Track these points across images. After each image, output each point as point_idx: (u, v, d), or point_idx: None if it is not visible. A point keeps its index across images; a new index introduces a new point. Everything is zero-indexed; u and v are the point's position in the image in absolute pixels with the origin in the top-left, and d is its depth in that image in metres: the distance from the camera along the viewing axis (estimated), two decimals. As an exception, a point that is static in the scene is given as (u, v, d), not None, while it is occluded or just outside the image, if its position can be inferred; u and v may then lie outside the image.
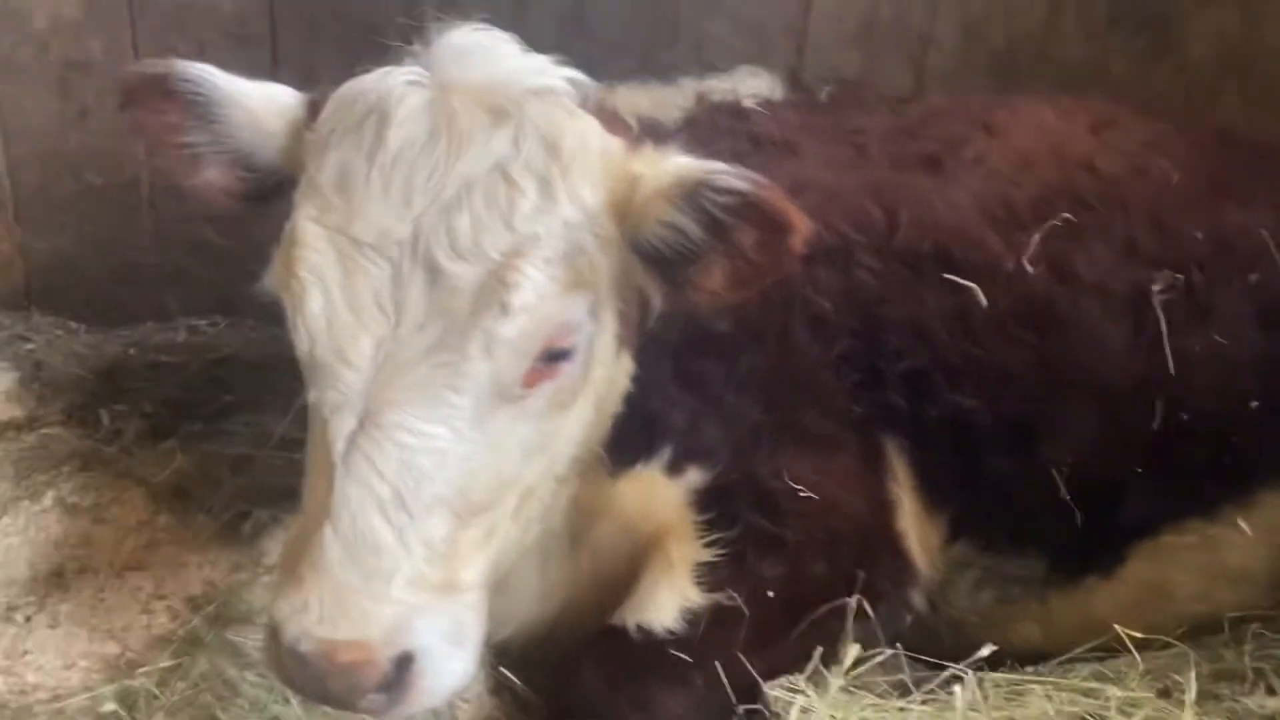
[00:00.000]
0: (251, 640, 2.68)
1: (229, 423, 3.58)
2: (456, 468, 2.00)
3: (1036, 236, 2.72)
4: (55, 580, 3.01)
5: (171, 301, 3.98)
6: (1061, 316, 2.68)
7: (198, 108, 2.17)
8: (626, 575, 2.58)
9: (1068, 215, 2.75)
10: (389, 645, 1.94)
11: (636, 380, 2.43)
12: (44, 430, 3.53)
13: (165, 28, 3.65)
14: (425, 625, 1.98)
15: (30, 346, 3.85)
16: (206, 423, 3.58)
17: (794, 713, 2.38)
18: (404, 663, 1.96)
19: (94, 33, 3.65)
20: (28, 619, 2.89)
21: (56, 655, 2.80)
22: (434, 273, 1.98)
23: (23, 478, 3.32)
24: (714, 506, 2.55)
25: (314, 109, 2.17)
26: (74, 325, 3.97)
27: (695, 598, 2.47)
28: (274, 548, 3.09)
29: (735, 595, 2.46)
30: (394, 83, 2.08)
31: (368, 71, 2.15)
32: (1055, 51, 3.91)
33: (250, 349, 3.86)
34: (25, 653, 2.80)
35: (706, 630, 2.45)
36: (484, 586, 2.14)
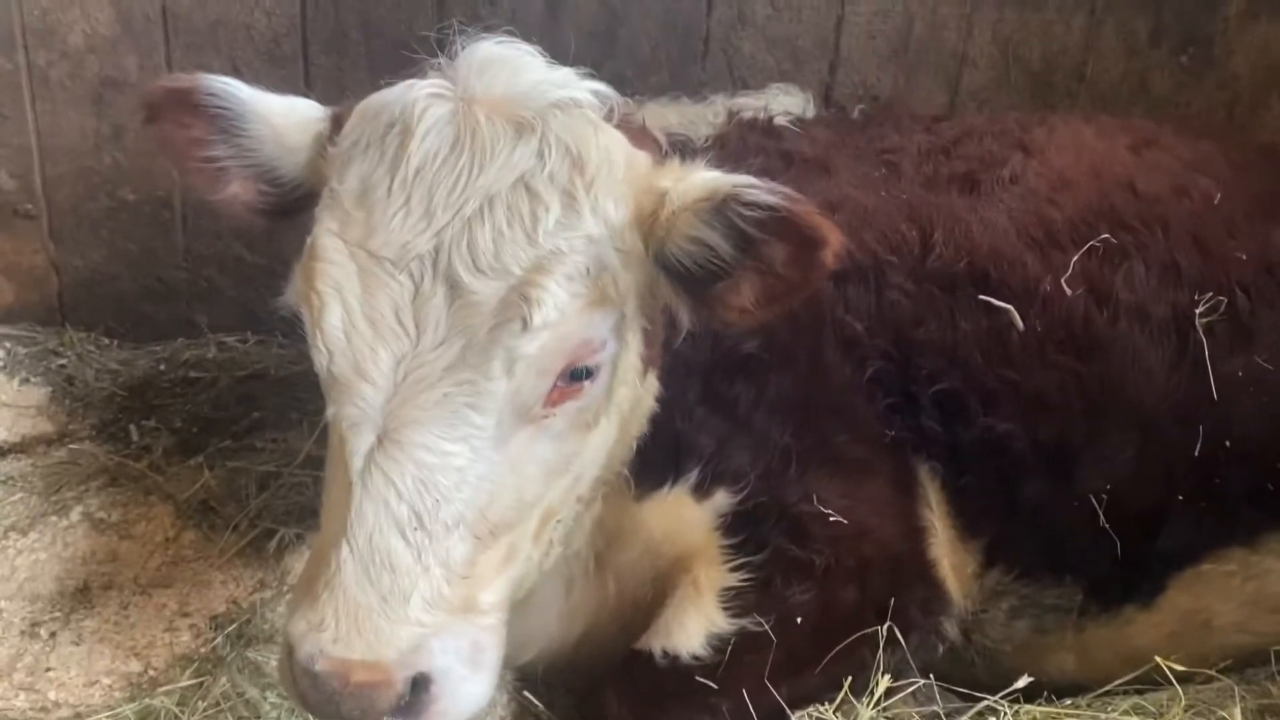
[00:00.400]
0: (273, 660, 2.67)
1: (257, 439, 3.59)
2: (476, 487, 1.97)
3: (1075, 258, 2.66)
4: (81, 596, 3.02)
5: (202, 318, 3.99)
6: (1101, 340, 2.62)
7: (221, 121, 2.16)
8: (651, 599, 2.55)
9: (1107, 236, 2.69)
10: (404, 666, 1.91)
11: (663, 401, 2.40)
12: (73, 445, 3.54)
13: (199, 46, 3.67)
14: (442, 647, 1.95)
15: (62, 361, 3.86)
16: (235, 439, 3.58)
17: (823, 743, 2.34)
18: (420, 684, 1.93)
19: (129, 51, 3.68)
20: (52, 635, 2.90)
21: (80, 672, 2.80)
22: (455, 288, 1.95)
23: (51, 492, 3.33)
24: (742, 530, 2.50)
25: (337, 122, 2.16)
26: (106, 341, 3.98)
27: (722, 623, 2.44)
28: (298, 566, 3.08)
29: (763, 621, 2.43)
30: (417, 95, 2.05)
31: (393, 84, 2.14)
32: (1094, 69, 3.85)
33: (279, 366, 3.86)
34: (49, 669, 2.80)
35: (733, 657, 2.41)
36: (504, 609, 2.11)
